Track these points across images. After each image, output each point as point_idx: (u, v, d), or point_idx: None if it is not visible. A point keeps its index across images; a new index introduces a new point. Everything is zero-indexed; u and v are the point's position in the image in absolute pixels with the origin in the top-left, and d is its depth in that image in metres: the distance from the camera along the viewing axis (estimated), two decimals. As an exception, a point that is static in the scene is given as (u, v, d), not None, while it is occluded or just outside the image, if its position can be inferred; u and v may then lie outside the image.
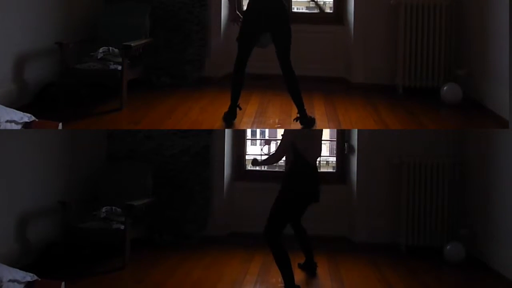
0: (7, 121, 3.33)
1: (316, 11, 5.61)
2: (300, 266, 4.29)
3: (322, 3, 5.62)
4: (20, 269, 3.27)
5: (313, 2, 5.01)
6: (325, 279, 4.19)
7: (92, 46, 4.79)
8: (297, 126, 4.11)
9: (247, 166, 5.45)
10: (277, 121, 4.40)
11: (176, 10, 5.24)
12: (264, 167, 5.41)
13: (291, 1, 5.65)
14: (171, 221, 5.00)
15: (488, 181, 4.56)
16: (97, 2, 5.23)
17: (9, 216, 4.18)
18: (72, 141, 4.89)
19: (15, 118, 3.39)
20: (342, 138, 5.31)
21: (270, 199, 3.87)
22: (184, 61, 5.27)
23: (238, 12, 4.15)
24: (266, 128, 5.09)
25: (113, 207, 4.55)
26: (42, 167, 4.57)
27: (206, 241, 5.01)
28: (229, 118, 4.16)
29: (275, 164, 4.10)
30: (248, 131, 5.49)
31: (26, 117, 3.46)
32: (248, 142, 5.53)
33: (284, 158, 4.22)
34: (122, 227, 4.32)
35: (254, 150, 5.52)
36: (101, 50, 4.67)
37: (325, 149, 5.36)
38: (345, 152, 5.28)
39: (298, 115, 4.11)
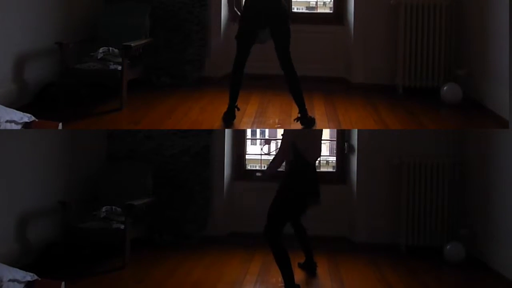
0: (7, 121, 3.33)
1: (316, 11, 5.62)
2: (300, 265, 4.29)
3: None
4: (20, 269, 3.27)
5: None
6: (325, 279, 4.19)
7: (92, 46, 4.79)
8: (297, 126, 4.11)
9: (247, 166, 5.45)
10: (277, 121, 4.40)
11: (176, 10, 5.24)
12: (264, 166, 5.41)
13: (291, 1, 5.66)
14: (171, 221, 5.00)
15: (488, 181, 4.56)
16: (97, 2, 5.23)
17: (9, 216, 4.18)
18: (72, 141, 4.89)
19: (15, 118, 3.39)
20: (342, 138, 5.31)
21: (270, 199, 3.86)
22: (184, 61, 5.27)
23: (236, 9, 4.14)
24: (266, 128, 5.10)
25: (113, 207, 4.55)
26: (42, 167, 4.57)
27: (206, 241, 5.01)
28: (229, 119, 4.16)
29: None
30: (248, 131, 5.49)
31: (26, 117, 3.46)
32: (248, 142, 5.53)
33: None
34: (122, 227, 4.33)
35: (254, 150, 5.52)
36: (101, 50, 4.67)
37: (325, 149, 5.36)
38: (345, 152, 5.28)
39: (299, 115, 4.10)
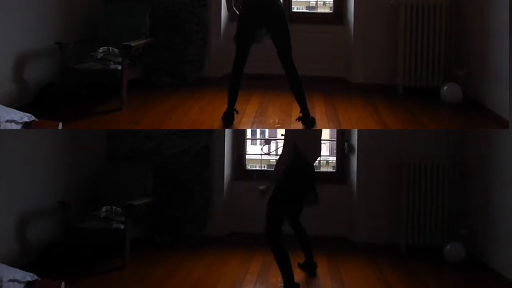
0: (7, 121, 3.33)
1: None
2: (300, 265, 4.29)
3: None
4: (20, 269, 3.26)
5: None
6: (325, 279, 4.19)
7: (92, 46, 4.79)
8: (297, 126, 4.11)
9: (247, 166, 5.45)
10: (277, 121, 4.40)
11: (176, 10, 5.24)
12: (265, 166, 5.41)
13: (291, 1, 5.66)
14: (171, 221, 5.00)
15: (488, 181, 4.56)
16: (97, 2, 5.23)
17: (9, 216, 4.18)
18: (72, 141, 4.89)
19: (15, 118, 3.39)
20: (342, 138, 5.31)
21: (270, 199, 3.87)
22: (184, 61, 5.27)
23: (235, 9, 4.13)
24: (266, 128, 5.09)
25: (113, 207, 4.55)
26: (42, 167, 4.57)
27: (206, 241, 5.00)
28: (228, 119, 4.15)
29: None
30: (248, 131, 5.49)
31: (26, 117, 3.46)
32: (248, 142, 5.53)
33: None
34: (122, 227, 4.33)
35: (254, 150, 5.52)
36: (101, 50, 4.67)
37: (325, 149, 5.36)
38: (345, 152, 5.28)
39: (301, 115, 4.10)
